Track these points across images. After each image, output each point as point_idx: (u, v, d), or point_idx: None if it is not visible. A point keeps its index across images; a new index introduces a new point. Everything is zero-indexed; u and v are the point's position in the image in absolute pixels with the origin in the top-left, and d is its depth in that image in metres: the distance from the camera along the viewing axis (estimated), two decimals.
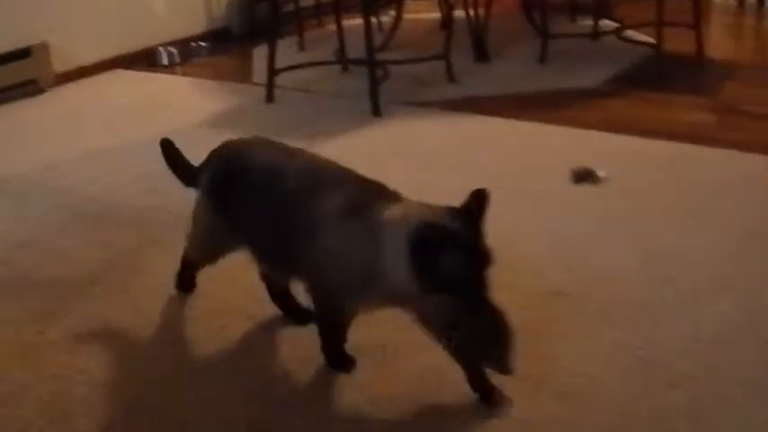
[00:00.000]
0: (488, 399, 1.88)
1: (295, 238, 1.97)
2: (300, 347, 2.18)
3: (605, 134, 3.56)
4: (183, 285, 2.42)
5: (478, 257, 1.73)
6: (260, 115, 4.03)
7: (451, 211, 1.76)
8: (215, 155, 2.24)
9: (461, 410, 1.90)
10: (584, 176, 3.01)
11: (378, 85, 3.95)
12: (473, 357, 1.81)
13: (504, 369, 1.76)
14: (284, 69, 4.24)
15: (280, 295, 2.29)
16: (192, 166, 2.31)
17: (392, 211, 1.83)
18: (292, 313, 2.28)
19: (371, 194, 1.92)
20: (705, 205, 2.84)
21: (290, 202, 2.00)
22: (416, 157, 3.38)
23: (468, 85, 4.33)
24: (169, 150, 2.33)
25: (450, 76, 4.36)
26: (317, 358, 2.09)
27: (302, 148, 2.17)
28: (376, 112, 3.92)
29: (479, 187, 1.77)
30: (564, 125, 3.68)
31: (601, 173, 3.02)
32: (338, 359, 2.07)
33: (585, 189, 2.98)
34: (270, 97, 4.19)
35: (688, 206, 2.83)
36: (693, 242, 2.56)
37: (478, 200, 1.76)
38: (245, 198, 2.10)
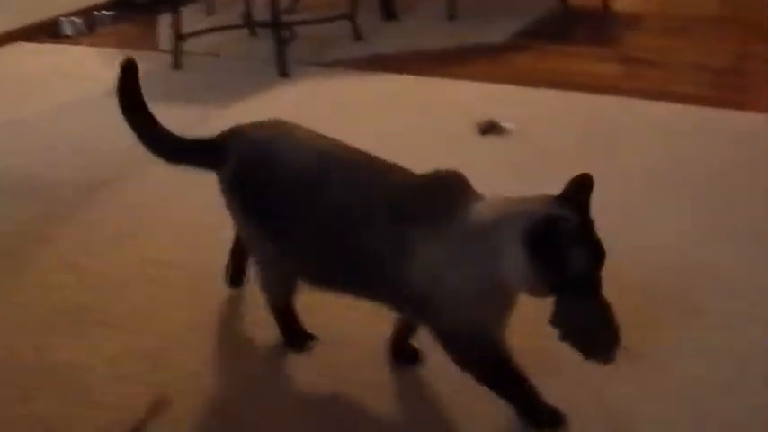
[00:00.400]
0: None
1: (372, 259, 1.65)
2: None
3: (512, 87, 3.59)
4: (295, 339, 1.97)
5: (599, 250, 1.53)
6: (168, 82, 3.95)
7: (560, 200, 1.53)
8: (235, 146, 1.84)
9: None
10: (489, 128, 3.04)
11: (284, 47, 3.92)
12: (581, 350, 1.56)
13: (609, 360, 1.57)
14: (191, 35, 4.16)
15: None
16: (171, 135, 1.93)
17: (489, 210, 1.58)
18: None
19: (450, 191, 1.65)
20: (607, 152, 2.89)
21: (354, 213, 1.67)
22: (324, 116, 3.31)
23: (376, 43, 4.32)
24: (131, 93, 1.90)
25: (358, 36, 4.34)
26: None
27: (331, 137, 1.88)
28: (283, 73, 3.89)
29: (583, 172, 1.55)
30: (472, 80, 3.70)
31: (506, 124, 3.05)
32: (538, 412, 1.67)
33: (491, 140, 3.01)
34: (177, 64, 4.12)
35: (590, 153, 2.87)
36: (596, 188, 2.60)
37: (583, 186, 1.54)
38: (280, 204, 1.76)
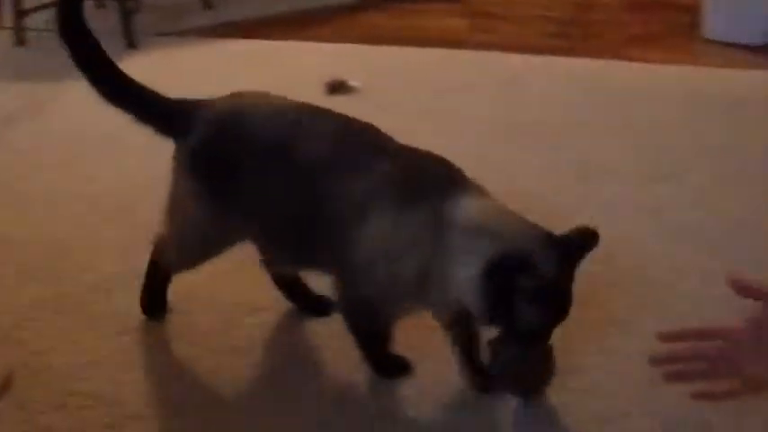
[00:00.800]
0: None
1: (328, 227, 1.58)
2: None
3: (362, 47, 3.61)
4: (152, 307, 1.87)
5: (560, 310, 1.46)
6: (10, 60, 3.82)
7: (549, 238, 1.46)
8: (199, 119, 1.71)
9: None
10: (337, 88, 3.05)
11: (131, 18, 3.83)
12: (510, 392, 1.56)
13: (536, 398, 1.57)
14: (33, 9, 4.02)
15: (289, 283, 1.87)
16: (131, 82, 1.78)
17: (469, 210, 1.50)
18: (307, 304, 1.87)
19: (436, 174, 1.56)
20: (457, 104, 2.95)
21: (319, 178, 1.59)
22: (174, 86, 3.29)
23: (225, 10, 4.26)
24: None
25: (207, 3, 4.27)
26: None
27: (317, 106, 1.75)
28: (131, 44, 3.80)
29: (591, 228, 1.48)
30: (322, 41, 3.70)
31: (353, 83, 3.07)
32: (387, 366, 1.68)
33: (339, 99, 3.02)
34: (20, 40, 3.97)
35: (439, 107, 2.92)
36: (442, 141, 2.66)
37: (585, 239, 1.48)
38: (252, 175, 1.64)
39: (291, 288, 1.86)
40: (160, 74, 3.43)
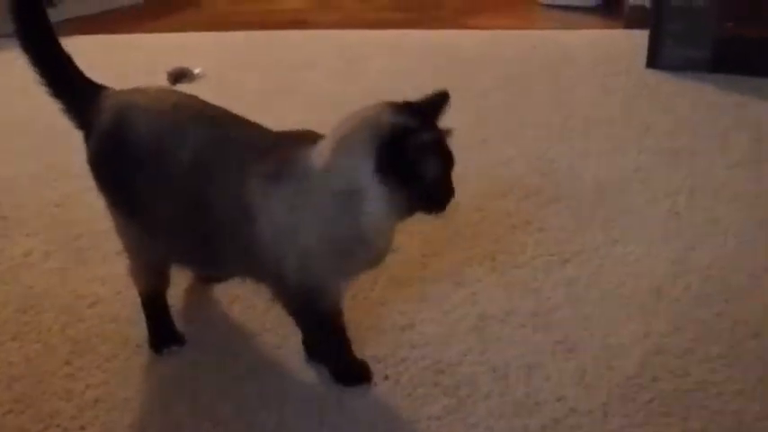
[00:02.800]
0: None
1: (228, 233, 1.50)
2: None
3: (207, 34, 3.64)
4: (160, 338, 1.73)
5: (450, 155, 1.45)
6: None
7: (403, 105, 1.45)
8: (101, 107, 1.60)
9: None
10: (179, 76, 3.07)
11: None
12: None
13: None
14: None
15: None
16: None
17: (327, 144, 1.43)
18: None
19: (296, 145, 1.48)
20: (297, 81, 3.01)
21: (200, 186, 1.50)
22: (14, 86, 3.28)
23: (68, 7, 4.22)
24: None
25: (49, 1, 4.22)
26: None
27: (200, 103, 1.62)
28: None
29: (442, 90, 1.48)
30: (167, 31, 3.71)
31: (196, 70, 3.10)
32: (347, 371, 1.61)
33: (182, 87, 3.03)
34: None
35: (281, 86, 2.98)
36: (288, 115, 2.72)
37: (437, 98, 1.47)
38: (144, 184, 1.55)
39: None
40: (2, 73, 3.40)
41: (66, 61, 1.69)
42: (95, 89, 1.67)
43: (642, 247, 1.97)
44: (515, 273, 1.90)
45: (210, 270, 1.74)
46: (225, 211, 1.49)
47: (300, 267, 1.47)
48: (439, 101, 1.47)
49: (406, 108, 1.44)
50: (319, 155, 1.42)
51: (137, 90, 1.63)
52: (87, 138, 1.63)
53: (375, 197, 1.40)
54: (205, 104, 1.60)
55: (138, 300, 1.77)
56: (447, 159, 1.44)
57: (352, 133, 1.42)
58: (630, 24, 3.27)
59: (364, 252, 1.47)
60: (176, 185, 1.51)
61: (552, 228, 2.06)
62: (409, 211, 1.44)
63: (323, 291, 1.51)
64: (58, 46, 1.68)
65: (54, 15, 3.70)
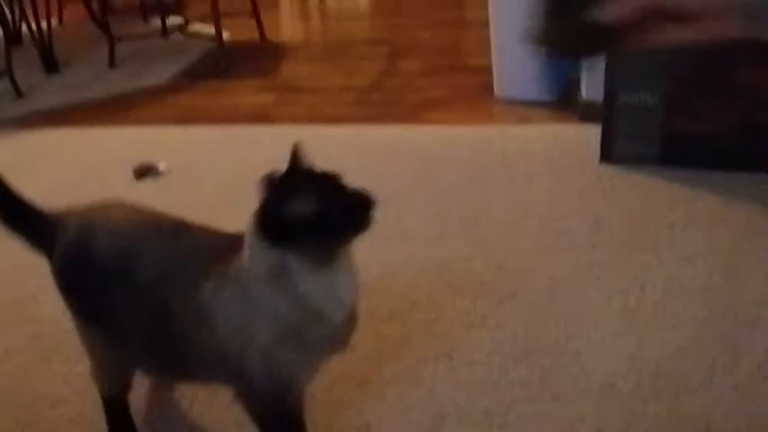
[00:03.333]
0: None
1: (183, 341, 1.52)
2: None
3: (172, 128, 3.69)
4: None
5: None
6: None
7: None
8: (61, 229, 1.66)
9: None
10: (144, 172, 3.12)
11: None
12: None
13: None
14: None
15: None
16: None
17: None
18: None
19: (236, 242, 1.48)
20: (255, 178, 3.04)
21: (157, 297, 1.53)
22: None
23: (37, 99, 4.28)
24: None
25: (18, 92, 4.27)
26: None
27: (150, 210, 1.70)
28: None
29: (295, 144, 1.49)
30: (132, 125, 3.77)
31: (161, 166, 3.15)
32: None
33: (147, 184, 3.09)
34: None
35: (243, 182, 3.00)
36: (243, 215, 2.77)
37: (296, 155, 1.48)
38: (107, 292, 1.58)
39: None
40: None
41: (15, 196, 1.72)
42: (52, 215, 1.71)
43: (595, 344, 2.02)
44: (472, 371, 1.94)
45: (175, 376, 1.75)
46: (185, 318, 1.51)
47: (263, 364, 1.47)
48: (294, 153, 1.47)
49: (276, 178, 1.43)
50: (244, 250, 1.44)
51: (95, 209, 1.70)
52: (51, 257, 1.66)
53: (287, 262, 1.38)
54: (159, 216, 1.65)
55: (100, 400, 1.79)
56: (324, 189, 1.40)
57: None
58: (585, 119, 3.37)
59: (320, 327, 1.43)
60: (138, 298, 1.55)
61: (508, 325, 2.11)
62: (327, 249, 1.40)
63: (289, 385, 1.50)
64: (5, 185, 1.71)
65: (22, 107, 3.75)
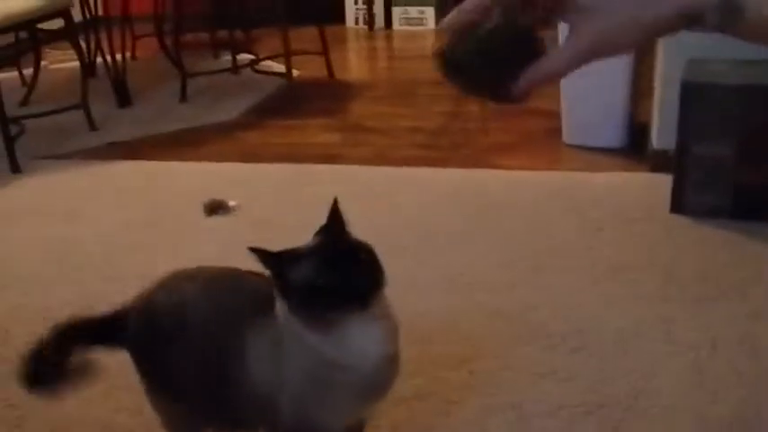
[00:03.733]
0: None
1: (228, 375, 1.56)
2: None
3: (241, 165, 3.75)
4: None
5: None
6: None
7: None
8: (133, 307, 1.72)
9: None
10: (215, 208, 3.16)
11: (13, 142, 3.90)
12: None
13: None
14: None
15: None
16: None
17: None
18: None
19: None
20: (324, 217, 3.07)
21: (207, 332, 1.59)
22: (55, 210, 3.39)
23: (110, 131, 4.38)
24: None
25: (92, 125, 4.37)
26: None
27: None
28: (15, 168, 3.86)
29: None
30: (201, 161, 3.82)
31: (231, 202, 3.19)
32: None
33: (217, 220, 3.13)
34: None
35: (311, 222, 3.04)
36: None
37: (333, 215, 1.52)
38: (168, 351, 1.63)
39: None
40: (39, 198, 3.52)
41: (99, 321, 1.79)
42: (121, 312, 1.76)
43: (665, 400, 1.99)
44: (540, 423, 1.92)
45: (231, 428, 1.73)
46: (231, 368, 1.55)
47: (292, 408, 1.49)
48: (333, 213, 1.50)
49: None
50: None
51: (157, 282, 1.72)
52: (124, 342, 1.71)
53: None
54: (214, 269, 1.70)
55: None
56: (325, 262, 1.42)
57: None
58: (655, 168, 3.34)
59: (343, 376, 1.44)
60: (193, 348, 1.59)
61: (576, 377, 2.09)
62: (323, 318, 1.41)
63: (322, 427, 1.51)
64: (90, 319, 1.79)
65: (95, 139, 3.84)
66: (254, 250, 1.42)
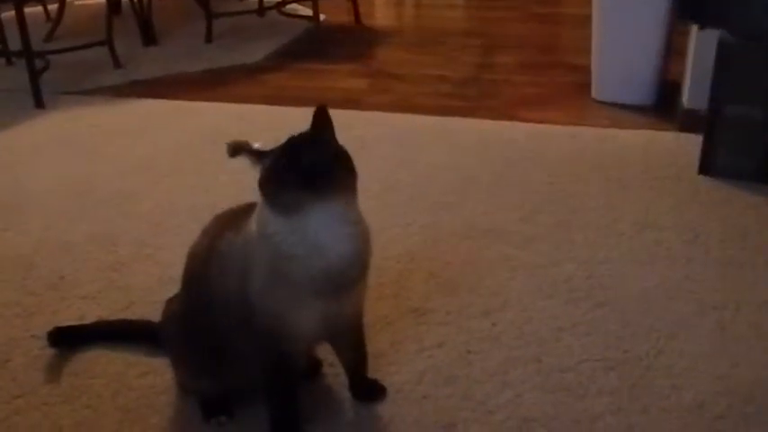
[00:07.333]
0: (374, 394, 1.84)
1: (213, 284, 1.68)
2: None
3: (265, 107, 3.72)
4: (210, 407, 1.83)
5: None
6: None
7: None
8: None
9: None
10: (238, 149, 3.12)
11: (38, 77, 3.88)
12: None
13: None
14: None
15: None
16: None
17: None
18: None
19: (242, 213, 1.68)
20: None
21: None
22: (78, 146, 3.38)
23: (135, 69, 4.35)
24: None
25: (116, 62, 4.35)
26: None
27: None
28: (39, 103, 3.85)
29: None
30: (226, 101, 3.81)
31: (255, 145, 3.16)
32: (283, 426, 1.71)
33: (240, 161, 3.10)
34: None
35: None
36: None
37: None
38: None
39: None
40: (62, 133, 3.51)
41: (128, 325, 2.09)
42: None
43: (687, 360, 1.98)
44: (560, 377, 1.91)
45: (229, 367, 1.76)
46: (214, 290, 1.66)
47: (259, 305, 1.57)
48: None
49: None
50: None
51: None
52: None
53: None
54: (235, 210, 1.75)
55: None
56: (294, 148, 1.54)
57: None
58: (684, 128, 3.30)
59: (303, 268, 1.52)
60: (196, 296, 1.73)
61: (598, 332, 2.08)
62: (289, 201, 1.49)
63: (283, 326, 1.58)
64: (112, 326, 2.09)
65: (120, 77, 3.85)
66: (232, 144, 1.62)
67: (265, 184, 1.54)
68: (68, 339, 2.04)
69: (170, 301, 1.86)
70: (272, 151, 1.57)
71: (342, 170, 1.54)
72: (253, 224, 1.58)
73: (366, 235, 1.59)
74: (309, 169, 1.49)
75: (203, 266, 1.69)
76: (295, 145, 1.54)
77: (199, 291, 1.70)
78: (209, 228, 1.75)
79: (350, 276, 1.57)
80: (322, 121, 1.58)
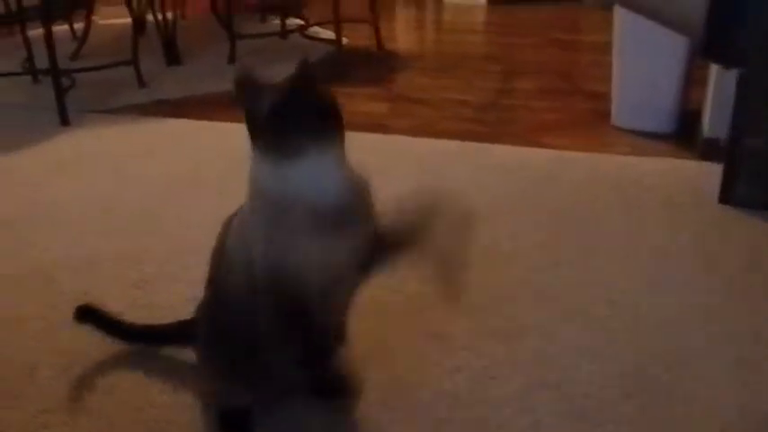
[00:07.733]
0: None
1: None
2: None
3: None
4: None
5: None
6: None
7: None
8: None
9: None
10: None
11: (64, 94, 3.94)
12: None
13: None
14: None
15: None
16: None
17: None
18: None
19: None
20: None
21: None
22: (102, 164, 3.42)
23: (159, 88, 4.41)
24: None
25: (141, 81, 4.40)
26: None
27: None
28: (64, 121, 3.91)
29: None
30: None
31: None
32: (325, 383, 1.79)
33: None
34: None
35: None
36: None
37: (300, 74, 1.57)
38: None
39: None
40: (87, 150, 3.56)
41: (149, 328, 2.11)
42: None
43: (705, 390, 1.98)
44: (579, 403, 1.92)
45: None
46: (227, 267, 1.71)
47: (262, 260, 1.58)
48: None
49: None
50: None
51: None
52: None
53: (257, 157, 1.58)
54: None
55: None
56: (282, 93, 1.53)
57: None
58: (704, 156, 3.31)
59: (300, 213, 1.52)
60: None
61: (617, 360, 2.08)
62: (278, 146, 1.52)
63: (287, 274, 1.55)
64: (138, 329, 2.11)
65: (144, 96, 3.90)
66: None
67: (265, 125, 1.54)
68: (93, 320, 2.06)
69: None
70: (263, 92, 1.56)
71: (337, 117, 1.60)
72: (246, 197, 1.62)
73: (366, 185, 1.64)
74: (314, 111, 1.54)
75: (219, 256, 1.75)
76: (296, 87, 1.54)
77: (218, 285, 1.74)
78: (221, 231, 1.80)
79: (348, 220, 1.58)
80: (305, 69, 1.57)
